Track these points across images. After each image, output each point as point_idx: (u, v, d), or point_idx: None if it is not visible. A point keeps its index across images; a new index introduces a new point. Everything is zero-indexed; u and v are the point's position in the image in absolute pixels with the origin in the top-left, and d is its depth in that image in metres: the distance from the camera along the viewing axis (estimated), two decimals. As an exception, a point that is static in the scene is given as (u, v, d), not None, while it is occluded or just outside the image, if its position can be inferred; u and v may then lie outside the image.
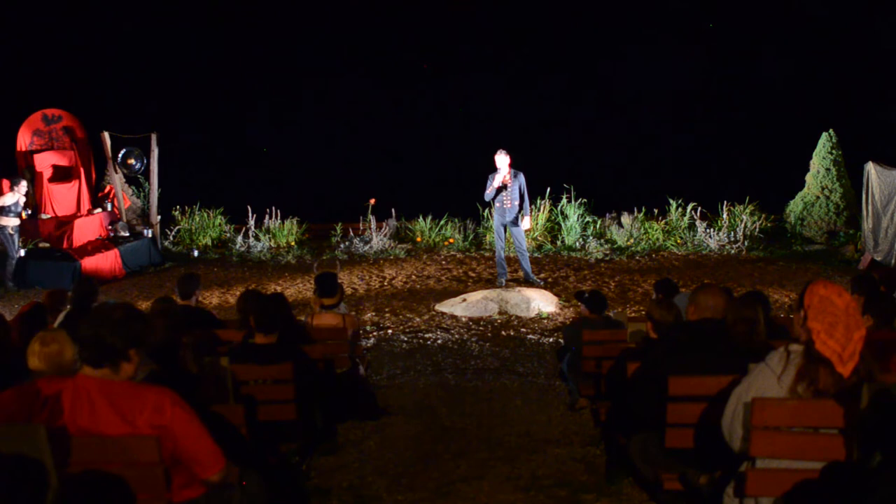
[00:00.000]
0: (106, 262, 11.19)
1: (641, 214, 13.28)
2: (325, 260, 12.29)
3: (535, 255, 12.48)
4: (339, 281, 6.12)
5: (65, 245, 11.34)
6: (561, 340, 7.65)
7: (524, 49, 21.08)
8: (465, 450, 5.00)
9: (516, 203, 9.71)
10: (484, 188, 9.80)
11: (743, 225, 12.76)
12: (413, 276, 11.21)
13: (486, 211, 13.29)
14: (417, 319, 8.89)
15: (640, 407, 3.71)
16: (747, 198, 13.27)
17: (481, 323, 8.70)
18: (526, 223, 10.04)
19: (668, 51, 19.92)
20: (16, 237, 10.61)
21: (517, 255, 10.33)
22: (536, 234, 12.87)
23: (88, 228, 11.84)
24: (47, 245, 11.33)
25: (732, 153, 19.04)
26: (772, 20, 19.27)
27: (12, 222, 10.54)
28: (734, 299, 4.02)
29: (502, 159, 9.58)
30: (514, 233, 9.98)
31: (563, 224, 13.12)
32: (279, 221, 13.77)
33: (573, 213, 13.08)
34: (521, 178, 9.71)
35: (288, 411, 4.15)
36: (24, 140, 12.21)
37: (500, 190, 9.63)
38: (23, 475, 2.37)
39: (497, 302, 9.15)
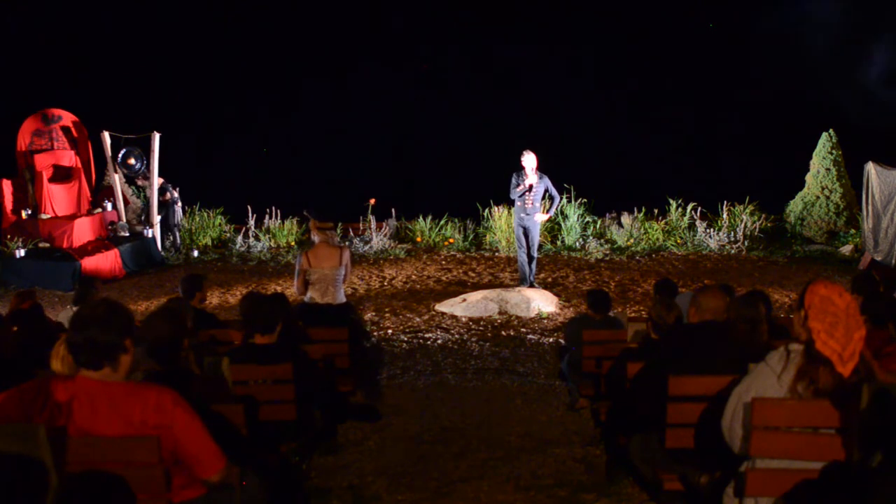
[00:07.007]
0: (106, 262, 11.19)
1: (641, 214, 13.27)
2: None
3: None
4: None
5: (65, 245, 11.34)
6: (561, 340, 7.65)
7: (522, 47, 21.07)
8: (465, 450, 5.00)
9: (538, 204, 9.48)
10: (509, 187, 9.49)
11: (743, 225, 12.75)
12: (413, 276, 11.21)
13: (487, 211, 13.28)
14: (417, 319, 8.89)
15: (641, 407, 3.71)
16: (747, 198, 13.25)
17: (481, 323, 8.70)
18: (542, 216, 9.66)
19: (667, 50, 19.93)
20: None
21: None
22: (536, 233, 12.85)
23: (88, 228, 11.83)
24: (47, 245, 11.32)
25: (733, 153, 19.03)
26: (771, 19, 19.26)
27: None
28: (736, 298, 4.02)
29: (529, 159, 9.29)
30: (528, 229, 9.58)
31: (563, 224, 13.11)
32: (279, 221, 13.77)
33: (573, 213, 13.07)
34: (547, 179, 9.44)
35: (288, 411, 4.14)
36: (24, 140, 12.20)
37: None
38: (23, 475, 2.36)
39: (497, 302, 9.15)
